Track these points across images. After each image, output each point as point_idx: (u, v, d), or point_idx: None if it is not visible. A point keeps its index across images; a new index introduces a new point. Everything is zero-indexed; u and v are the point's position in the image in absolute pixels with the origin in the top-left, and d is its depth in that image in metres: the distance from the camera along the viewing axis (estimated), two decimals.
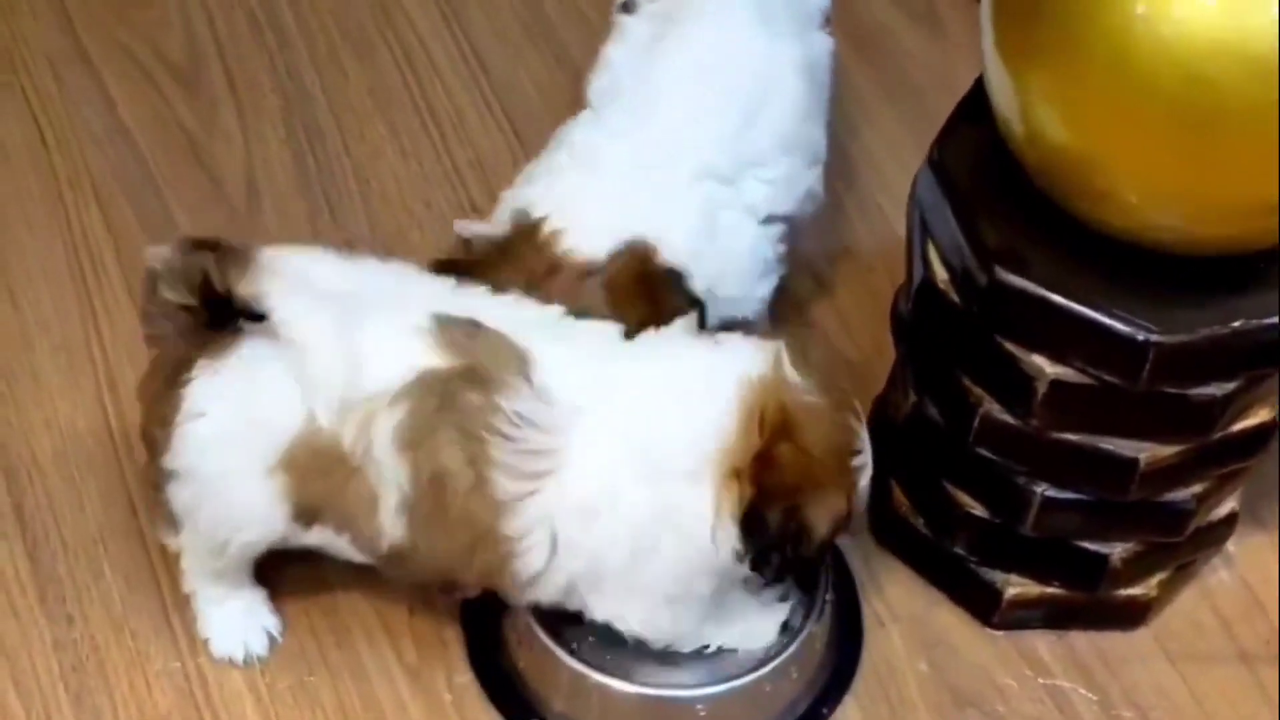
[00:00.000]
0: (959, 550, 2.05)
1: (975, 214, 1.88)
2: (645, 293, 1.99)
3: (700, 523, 1.79)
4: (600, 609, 1.88)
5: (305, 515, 1.86)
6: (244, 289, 1.79)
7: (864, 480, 1.84)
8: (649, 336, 1.88)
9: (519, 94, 2.51)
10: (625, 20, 2.13)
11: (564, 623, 1.94)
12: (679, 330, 1.88)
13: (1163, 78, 1.69)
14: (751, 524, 1.78)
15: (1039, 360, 1.86)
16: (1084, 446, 1.90)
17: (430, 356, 1.79)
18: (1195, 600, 2.12)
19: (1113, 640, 2.08)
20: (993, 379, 1.91)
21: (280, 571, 2.02)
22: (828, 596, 1.99)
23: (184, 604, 2.00)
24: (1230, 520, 2.07)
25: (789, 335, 1.84)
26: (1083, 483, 1.94)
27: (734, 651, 1.95)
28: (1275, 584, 2.13)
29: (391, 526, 1.83)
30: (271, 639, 2.00)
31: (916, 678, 2.04)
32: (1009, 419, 1.91)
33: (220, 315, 1.82)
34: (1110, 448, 1.90)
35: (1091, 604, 2.05)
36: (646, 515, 1.80)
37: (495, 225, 2.02)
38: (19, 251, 2.30)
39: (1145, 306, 1.81)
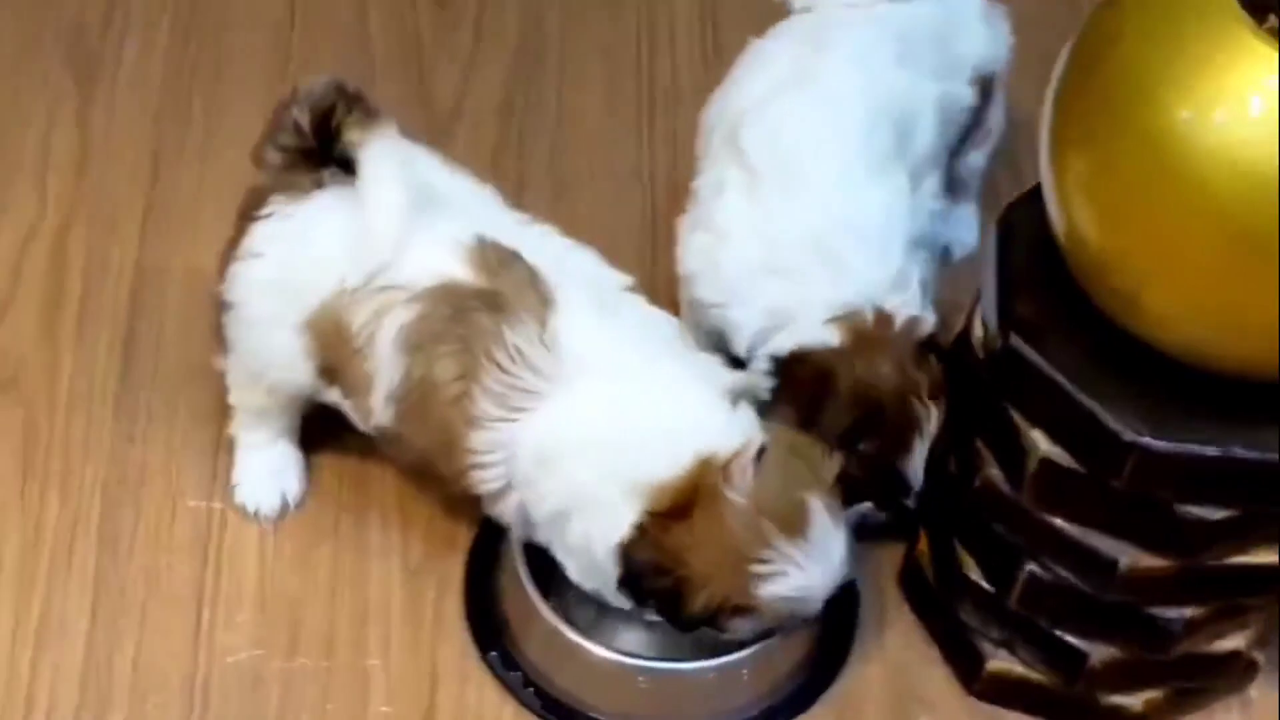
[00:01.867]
0: (956, 609, 2.03)
1: (1014, 280, 1.87)
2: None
3: (608, 529, 1.86)
4: (553, 549, 1.95)
5: (326, 375, 1.97)
6: (350, 134, 1.90)
7: (768, 589, 1.84)
8: (686, 349, 1.97)
9: None
10: (763, 46, 2.17)
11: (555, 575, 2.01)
12: (707, 363, 1.96)
13: (1198, 188, 1.65)
14: (628, 562, 1.85)
15: (1036, 435, 1.85)
16: (1068, 534, 1.87)
17: (460, 270, 1.89)
18: None
19: None
20: (997, 444, 1.90)
21: (329, 439, 2.14)
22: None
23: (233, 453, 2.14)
24: (1236, 658, 1.99)
25: (782, 436, 1.88)
26: (1066, 570, 1.90)
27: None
28: None
29: (380, 411, 1.94)
30: (285, 504, 2.12)
31: None
32: (1006, 488, 1.90)
33: (321, 152, 1.93)
34: (1094, 543, 1.87)
35: (1073, 702, 2.00)
36: (575, 490, 1.88)
37: (820, 333, 2.00)
38: (225, 111, 2.47)
39: (1145, 408, 1.78)
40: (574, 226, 2.04)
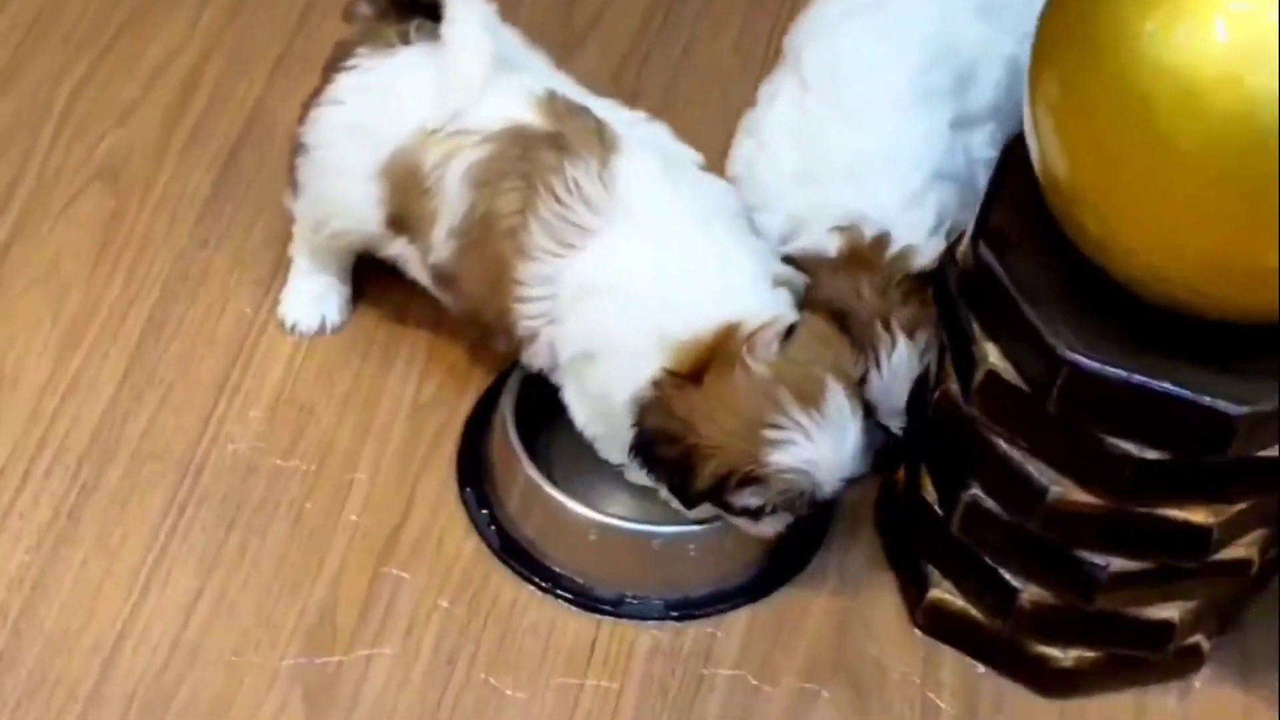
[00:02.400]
0: (912, 533, 2.05)
1: (999, 196, 1.90)
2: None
3: (630, 376, 1.92)
4: (565, 392, 2.02)
5: (395, 224, 2.08)
6: None
7: (776, 457, 1.88)
8: (745, 227, 2.03)
9: None
10: None
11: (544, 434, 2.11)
12: (759, 245, 2.02)
13: (1159, 105, 1.67)
14: (640, 430, 1.92)
15: (989, 347, 1.87)
16: (1008, 457, 1.89)
17: (530, 115, 2.00)
18: (1127, 707, 2.03)
19: (1019, 697, 2.02)
20: (955, 354, 1.93)
21: (377, 285, 2.25)
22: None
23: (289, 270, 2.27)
24: (1168, 630, 1.96)
25: (814, 323, 1.93)
26: (999, 495, 1.92)
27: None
28: None
29: (441, 246, 2.03)
30: (323, 328, 2.23)
31: (818, 631, 2.06)
32: (961, 401, 1.92)
33: (409, 1, 2.06)
34: (1029, 469, 1.88)
35: (1004, 645, 2.01)
36: (607, 332, 1.95)
37: (822, 240, 2.07)
38: None
39: (1087, 331, 1.80)
40: None
